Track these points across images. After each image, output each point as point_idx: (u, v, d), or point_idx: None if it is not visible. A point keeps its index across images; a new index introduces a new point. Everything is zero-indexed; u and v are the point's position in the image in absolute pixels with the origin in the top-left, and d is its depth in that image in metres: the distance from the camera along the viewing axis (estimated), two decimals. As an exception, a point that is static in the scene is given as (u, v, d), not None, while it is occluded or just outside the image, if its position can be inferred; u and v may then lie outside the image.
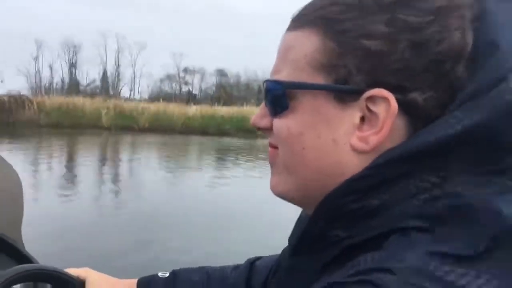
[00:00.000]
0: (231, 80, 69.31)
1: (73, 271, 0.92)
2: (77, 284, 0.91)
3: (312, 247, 0.55)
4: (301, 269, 0.58)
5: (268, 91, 0.56)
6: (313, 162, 0.53)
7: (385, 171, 0.49)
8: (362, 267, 0.45)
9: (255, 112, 0.61)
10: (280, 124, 0.55)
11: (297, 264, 0.60)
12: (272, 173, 0.59)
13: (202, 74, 69.61)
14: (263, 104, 0.59)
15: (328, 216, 0.52)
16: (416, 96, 0.49)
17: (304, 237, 0.55)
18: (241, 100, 48.98)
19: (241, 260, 0.95)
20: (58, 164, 13.36)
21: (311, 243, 0.55)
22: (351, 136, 0.51)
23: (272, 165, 0.59)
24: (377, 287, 0.42)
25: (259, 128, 0.60)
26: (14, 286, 0.89)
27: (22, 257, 1.10)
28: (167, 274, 0.93)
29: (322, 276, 0.51)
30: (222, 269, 0.94)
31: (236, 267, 0.94)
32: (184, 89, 70.14)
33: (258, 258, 0.93)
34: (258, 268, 0.90)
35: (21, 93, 30.01)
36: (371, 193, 0.49)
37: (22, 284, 1.01)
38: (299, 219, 0.68)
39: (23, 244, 1.15)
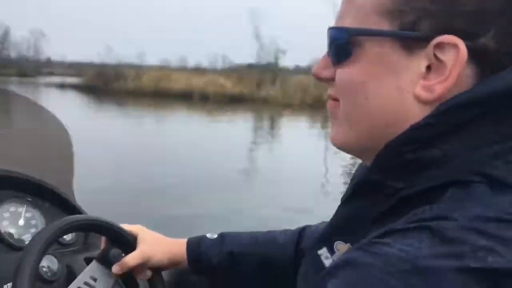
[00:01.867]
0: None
1: (126, 226, 0.96)
2: (130, 239, 0.95)
3: (368, 196, 0.53)
4: (354, 218, 0.57)
5: (332, 39, 0.55)
6: (376, 112, 0.52)
7: (448, 119, 0.47)
8: (420, 216, 0.44)
9: None
10: (342, 73, 0.54)
11: (349, 214, 0.58)
12: (332, 125, 0.58)
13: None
14: (325, 54, 0.58)
15: (387, 165, 0.51)
16: (487, 42, 0.47)
17: (361, 185, 0.54)
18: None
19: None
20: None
21: (367, 192, 0.54)
22: (416, 85, 0.50)
23: (332, 117, 0.58)
24: (434, 232, 0.41)
25: (320, 79, 0.58)
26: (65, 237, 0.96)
27: (73, 209, 1.17)
28: (215, 236, 0.98)
29: (375, 226, 0.50)
30: (270, 231, 0.99)
31: (285, 231, 0.98)
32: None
33: (309, 226, 0.97)
34: (307, 233, 0.94)
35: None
36: (432, 142, 0.48)
37: (73, 235, 1.13)
38: (353, 177, 0.68)
39: (74, 197, 1.22)
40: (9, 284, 0.89)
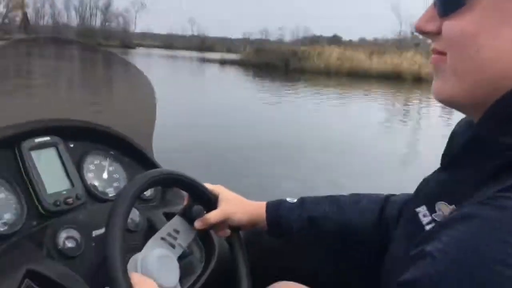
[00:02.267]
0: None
1: (208, 186, 0.99)
2: (211, 197, 0.97)
3: (475, 154, 0.52)
4: (458, 179, 0.55)
5: None
6: (487, 65, 0.49)
7: None
8: None
9: None
10: (452, 25, 0.52)
11: (451, 177, 0.57)
12: (436, 79, 0.56)
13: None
14: (430, 6, 0.55)
15: (497, 120, 0.49)
16: None
17: (469, 143, 0.52)
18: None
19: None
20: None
21: (474, 150, 0.52)
22: None
23: (437, 71, 0.56)
24: None
25: (424, 33, 0.56)
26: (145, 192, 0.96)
27: (151, 166, 1.20)
28: (295, 200, 0.99)
29: (481, 188, 0.47)
30: (353, 194, 0.98)
31: (369, 195, 0.97)
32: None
33: (393, 195, 0.95)
34: (392, 201, 0.93)
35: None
36: None
37: (152, 191, 1.16)
38: (452, 135, 0.65)
39: (152, 153, 1.26)
40: (96, 231, 0.93)
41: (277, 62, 26.93)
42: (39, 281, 0.80)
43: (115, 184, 1.16)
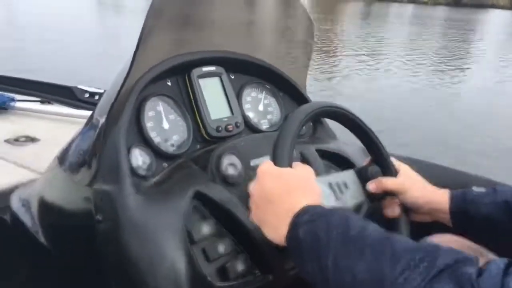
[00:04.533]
0: None
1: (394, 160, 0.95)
2: (392, 165, 0.94)
3: None
4: None
5: None
6: None
7: None
8: None
9: None
10: None
11: None
12: None
13: None
14: None
15: None
16: None
17: None
18: None
19: None
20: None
21: None
22: None
23: None
24: None
25: None
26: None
27: (304, 101, 1.20)
28: (483, 189, 0.91)
29: None
30: None
31: None
32: None
33: None
34: None
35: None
36: None
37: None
38: None
39: (306, 89, 1.25)
40: (254, 160, 0.95)
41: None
42: (204, 202, 0.85)
43: (269, 117, 1.17)
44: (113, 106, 0.85)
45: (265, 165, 0.75)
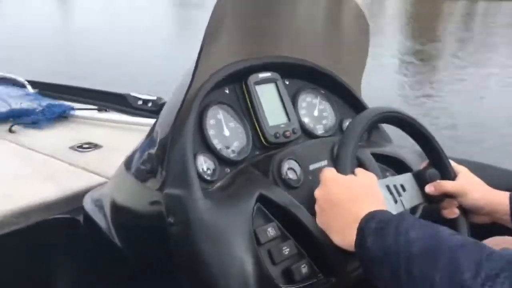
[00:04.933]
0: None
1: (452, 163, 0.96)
2: (450, 168, 0.95)
3: None
4: None
5: None
6: None
7: None
8: None
9: None
10: None
11: None
12: None
13: None
14: None
15: None
16: None
17: None
18: None
19: None
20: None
21: None
22: None
23: None
24: None
25: None
26: None
27: (362, 108, 1.20)
28: None
29: None
30: None
31: None
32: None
33: None
34: None
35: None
36: None
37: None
38: None
39: (361, 93, 1.26)
40: (313, 165, 0.98)
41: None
42: (267, 205, 0.88)
43: (324, 122, 1.19)
44: (178, 115, 0.90)
45: (329, 172, 0.79)
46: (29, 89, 2.19)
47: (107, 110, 2.04)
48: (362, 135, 0.83)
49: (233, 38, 1.01)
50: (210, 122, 0.99)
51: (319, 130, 1.18)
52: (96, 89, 2.25)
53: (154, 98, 2.08)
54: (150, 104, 2.07)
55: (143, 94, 2.13)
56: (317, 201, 0.78)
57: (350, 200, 0.74)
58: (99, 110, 2.02)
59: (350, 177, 0.77)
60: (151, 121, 1.80)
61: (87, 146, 1.62)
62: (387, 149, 1.15)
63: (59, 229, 1.24)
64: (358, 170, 0.80)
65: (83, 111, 1.96)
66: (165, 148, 0.90)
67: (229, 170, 0.97)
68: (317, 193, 0.79)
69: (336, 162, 0.80)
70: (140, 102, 2.10)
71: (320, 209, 0.77)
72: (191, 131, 0.91)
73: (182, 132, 0.90)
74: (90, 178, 1.36)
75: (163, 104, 2.06)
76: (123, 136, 1.75)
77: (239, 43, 1.04)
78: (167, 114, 0.96)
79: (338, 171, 0.78)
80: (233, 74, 1.03)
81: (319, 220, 0.78)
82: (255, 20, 1.03)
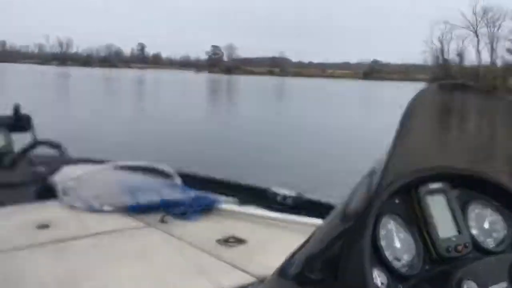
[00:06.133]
0: None
1: None
2: None
3: None
4: None
5: None
6: None
7: None
8: None
9: None
10: None
11: None
12: None
13: None
14: None
15: None
16: None
17: None
18: None
19: None
20: None
21: None
22: None
23: None
24: None
25: None
26: None
27: None
28: None
29: None
30: None
31: None
32: None
33: None
34: None
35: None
36: None
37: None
38: None
39: None
40: (495, 286, 0.88)
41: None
42: None
43: (494, 235, 1.09)
44: (356, 222, 0.87)
45: None
46: (177, 179, 2.34)
47: (248, 203, 2.10)
48: None
49: (418, 144, 0.99)
50: (382, 232, 0.95)
51: (490, 244, 1.08)
52: (236, 182, 2.34)
53: (293, 194, 2.10)
54: (289, 200, 2.09)
55: (283, 188, 2.17)
56: None
57: None
58: (241, 203, 2.08)
59: None
60: (293, 217, 1.81)
61: (232, 240, 1.65)
62: None
63: None
64: None
65: (227, 204, 2.04)
66: (340, 256, 0.88)
67: (401, 287, 0.90)
68: None
69: None
70: (279, 198, 2.13)
71: None
72: (369, 241, 0.88)
73: (359, 242, 0.87)
74: (239, 276, 1.37)
75: (304, 201, 2.06)
76: (266, 232, 1.77)
77: (422, 149, 1.01)
78: (335, 219, 0.94)
79: None
80: (406, 184, 1.00)
81: None
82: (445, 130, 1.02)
